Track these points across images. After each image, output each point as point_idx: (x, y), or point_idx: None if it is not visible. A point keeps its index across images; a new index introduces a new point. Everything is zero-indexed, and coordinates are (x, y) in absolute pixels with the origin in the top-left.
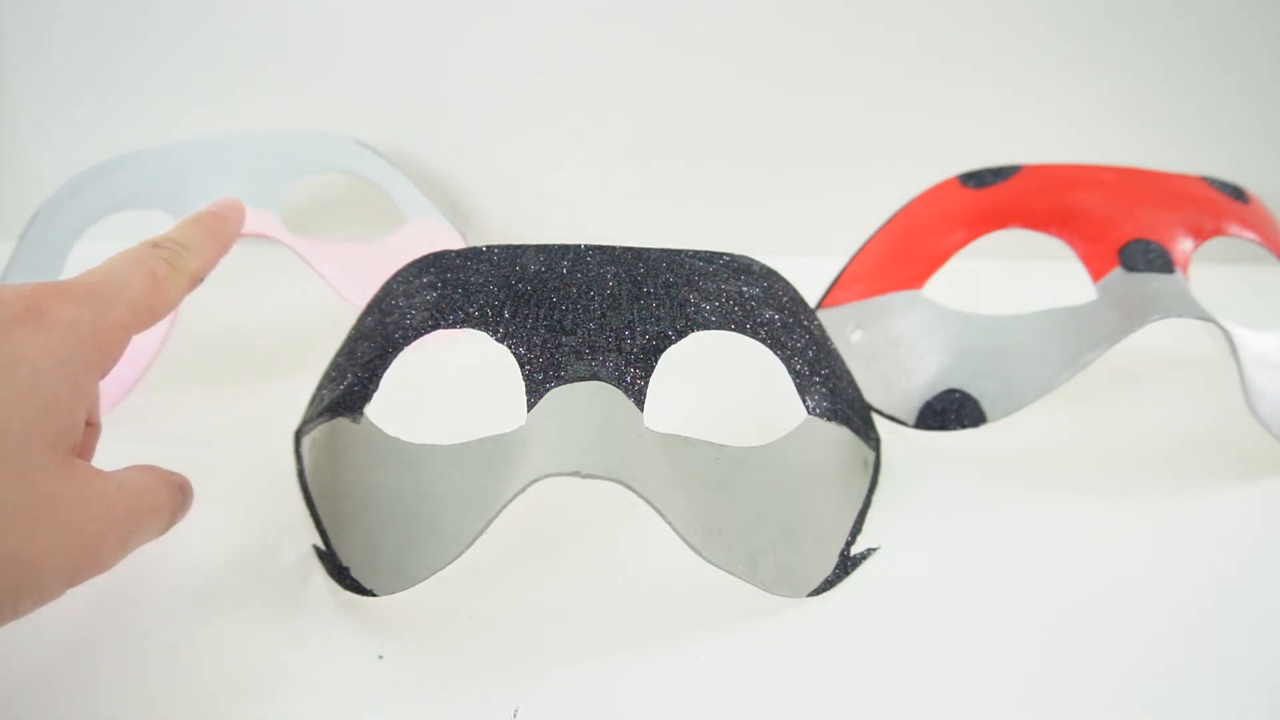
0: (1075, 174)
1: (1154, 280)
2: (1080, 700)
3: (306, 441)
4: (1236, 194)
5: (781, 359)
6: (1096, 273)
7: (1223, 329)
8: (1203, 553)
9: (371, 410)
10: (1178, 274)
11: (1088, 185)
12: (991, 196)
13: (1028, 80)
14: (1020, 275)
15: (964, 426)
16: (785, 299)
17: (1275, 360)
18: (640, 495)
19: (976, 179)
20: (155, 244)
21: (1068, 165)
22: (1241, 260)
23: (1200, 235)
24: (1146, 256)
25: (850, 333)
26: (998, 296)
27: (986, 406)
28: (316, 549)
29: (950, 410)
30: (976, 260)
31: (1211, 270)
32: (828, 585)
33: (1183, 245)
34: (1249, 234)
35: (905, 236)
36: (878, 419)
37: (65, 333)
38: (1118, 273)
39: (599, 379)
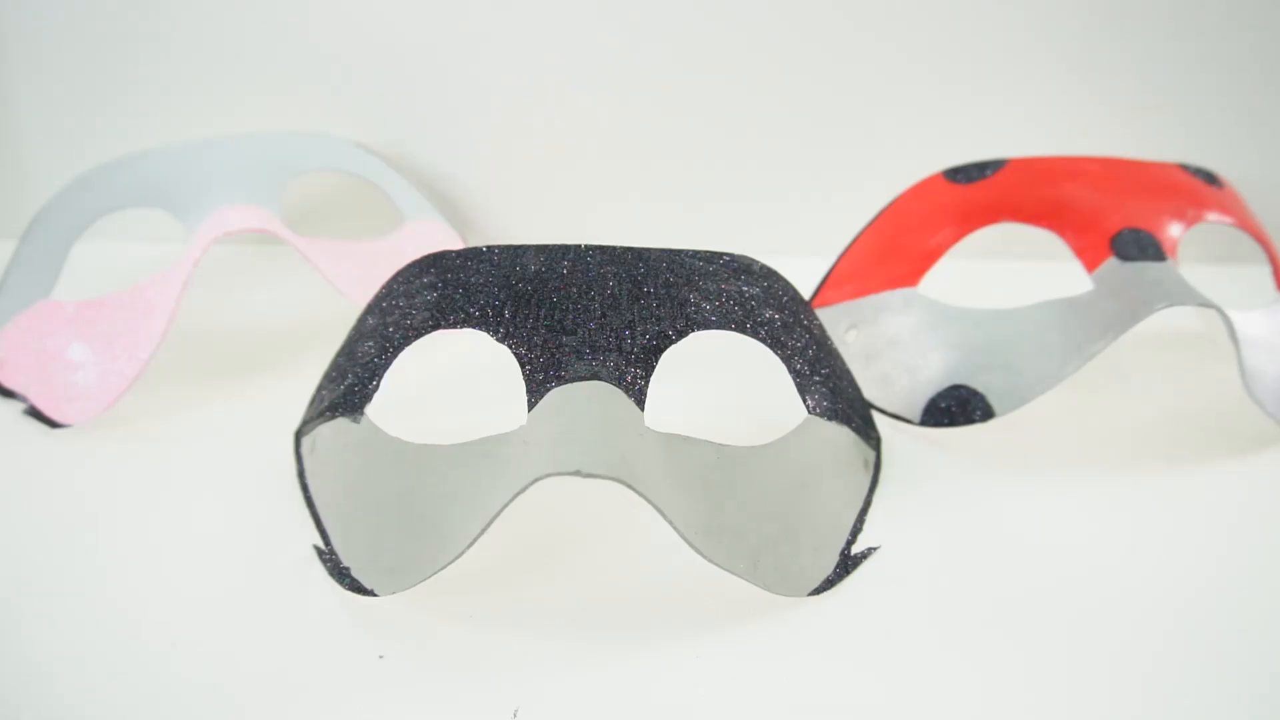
0: (1061, 166)
1: (1151, 269)
2: (1087, 699)
3: (306, 442)
4: (1210, 179)
5: (781, 358)
6: (1090, 263)
7: (1224, 315)
8: (1217, 542)
9: (372, 410)
10: (1170, 261)
11: (1074, 177)
12: (980, 192)
13: (1021, 74)
14: (1010, 273)
15: (972, 422)
16: (785, 299)
17: (1265, 339)
18: (641, 494)
19: (963, 174)
20: None
21: (1052, 158)
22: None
23: (1186, 222)
24: (1139, 245)
25: (844, 332)
26: (990, 294)
27: (994, 401)
28: (316, 549)
29: (957, 406)
30: (967, 260)
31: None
32: (828, 585)
33: (1171, 232)
34: (1227, 218)
35: (893, 234)
36: (879, 417)
37: None
38: (1112, 262)
39: (599, 379)
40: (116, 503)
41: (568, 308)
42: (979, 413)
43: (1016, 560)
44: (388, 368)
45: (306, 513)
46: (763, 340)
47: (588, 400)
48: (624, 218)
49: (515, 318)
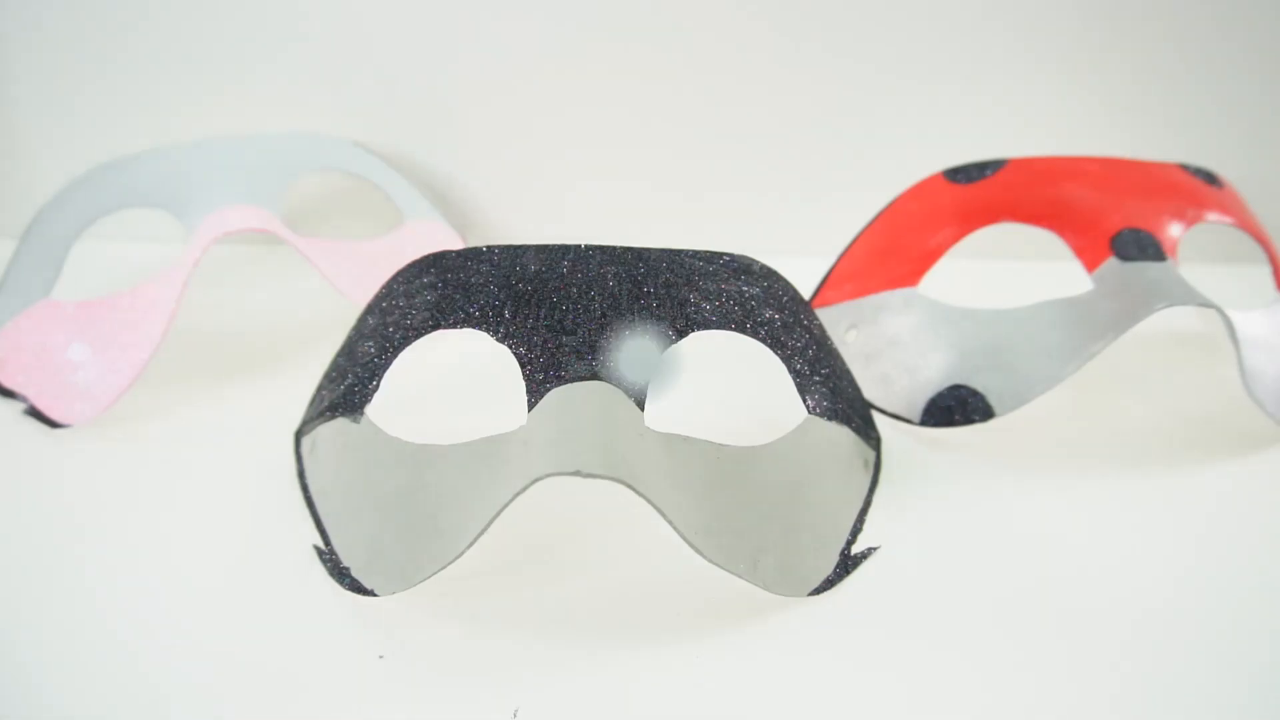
0: (1061, 166)
1: (1151, 269)
2: (1087, 698)
3: (306, 442)
4: (1210, 179)
5: (781, 358)
6: (1090, 263)
7: (1224, 315)
8: (1217, 541)
9: (372, 410)
10: (1170, 261)
11: (1075, 176)
12: (980, 191)
13: (1021, 74)
14: (1010, 273)
15: (972, 422)
16: (785, 299)
17: (1265, 339)
18: (641, 494)
19: (963, 174)
20: None
21: (1052, 158)
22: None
23: (1186, 222)
24: (1139, 245)
25: (844, 332)
26: (990, 294)
27: (994, 401)
28: (316, 549)
29: (957, 406)
30: (967, 260)
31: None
32: (828, 585)
33: (1171, 232)
34: (1227, 218)
35: (893, 234)
36: (879, 417)
37: None
38: (1112, 262)
39: (599, 379)
40: (116, 503)
41: (568, 308)
42: (979, 413)
43: (1016, 560)
44: (388, 368)
45: (306, 513)
46: (763, 340)
47: (587, 400)
48: (624, 218)
49: (515, 318)
